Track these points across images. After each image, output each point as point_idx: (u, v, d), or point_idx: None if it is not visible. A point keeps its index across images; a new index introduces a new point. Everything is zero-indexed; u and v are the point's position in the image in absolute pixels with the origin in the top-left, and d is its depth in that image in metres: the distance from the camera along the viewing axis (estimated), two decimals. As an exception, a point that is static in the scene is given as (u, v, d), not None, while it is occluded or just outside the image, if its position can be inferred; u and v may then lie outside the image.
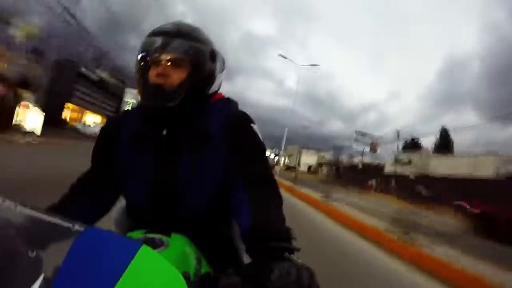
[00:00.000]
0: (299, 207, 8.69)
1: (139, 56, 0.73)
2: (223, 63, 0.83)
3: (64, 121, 26.60)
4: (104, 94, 33.18)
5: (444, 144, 30.63)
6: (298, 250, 0.56)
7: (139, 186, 0.76)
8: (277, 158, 41.64)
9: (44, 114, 17.53)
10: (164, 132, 0.76)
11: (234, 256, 0.83)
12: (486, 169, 15.81)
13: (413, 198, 14.99)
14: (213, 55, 0.77)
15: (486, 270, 3.89)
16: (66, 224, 0.41)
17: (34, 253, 0.40)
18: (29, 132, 15.05)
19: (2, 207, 0.41)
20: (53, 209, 0.70)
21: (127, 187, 0.79)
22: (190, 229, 0.70)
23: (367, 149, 19.10)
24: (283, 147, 26.93)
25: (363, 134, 19.40)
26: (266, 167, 0.75)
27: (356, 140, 19.14)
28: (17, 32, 15.69)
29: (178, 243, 0.63)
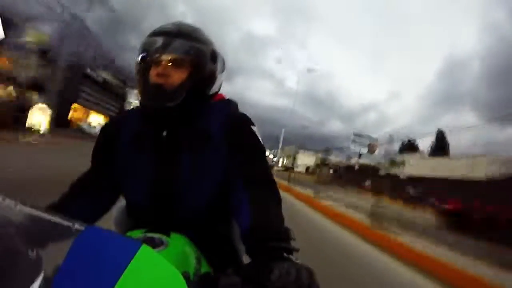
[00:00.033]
0: (293, 202, 9.93)
1: (140, 56, 0.73)
2: (224, 63, 0.83)
3: (70, 121, 26.71)
4: (107, 95, 33.31)
5: (440, 146, 30.81)
6: (298, 250, 0.57)
7: (139, 186, 0.76)
8: (275, 159, 41.65)
9: (54, 115, 17.85)
10: (164, 132, 0.75)
11: (234, 256, 0.83)
12: (479, 171, 16.11)
13: (403, 198, 15.87)
14: (213, 56, 0.77)
15: (441, 252, 4.61)
16: (66, 223, 0.41)
17: (34, 252, 0.40)
18: (41, 133, 15.33)
19: (2, 206, 0.41)
20: (53, 209, 0.70)
21: (127, 187, 0.79)
22: (190, 229, 0.70)
23: (364, 150, 19.22)
24: (280, 148, 26.96)
25: (360, 136, 19.51)
26: (266, 167, 0.75)
27: (353, 141, 19.26)
28: (29, 38, 16.12)
29: (178, 243, 0.63)
